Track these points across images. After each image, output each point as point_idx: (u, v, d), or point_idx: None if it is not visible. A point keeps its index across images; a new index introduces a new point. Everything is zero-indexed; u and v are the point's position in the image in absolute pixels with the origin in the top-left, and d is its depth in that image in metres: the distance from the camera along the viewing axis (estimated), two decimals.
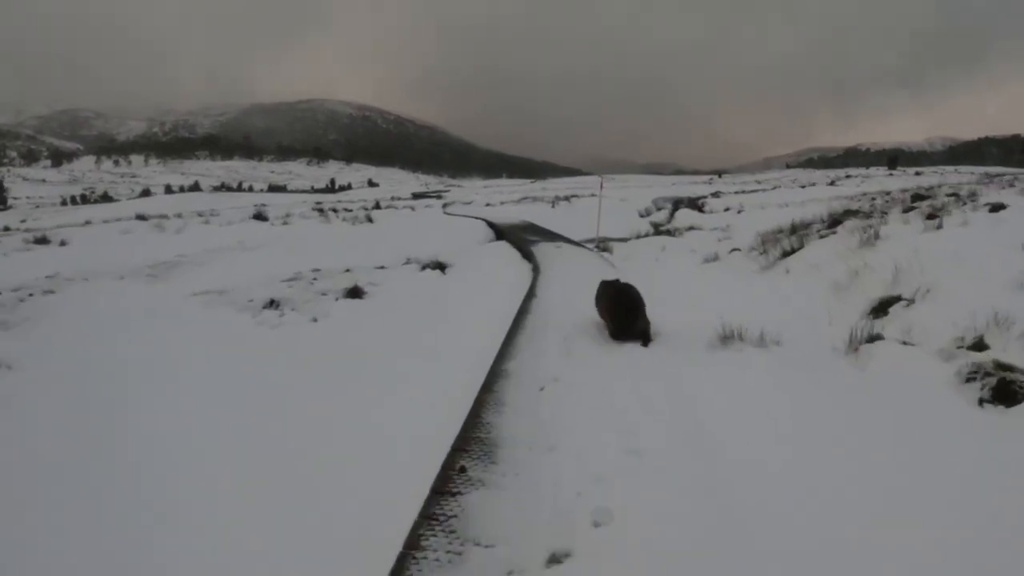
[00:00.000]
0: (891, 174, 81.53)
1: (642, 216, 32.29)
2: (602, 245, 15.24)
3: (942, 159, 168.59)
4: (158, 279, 11.66)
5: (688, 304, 8.76)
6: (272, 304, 9.19)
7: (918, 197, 15.19)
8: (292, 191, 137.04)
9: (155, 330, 7.79)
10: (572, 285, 9.43)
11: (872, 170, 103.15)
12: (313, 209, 28.36)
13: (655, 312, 6.61)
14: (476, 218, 22.67)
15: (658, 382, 4.97)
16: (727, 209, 28.34)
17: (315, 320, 8.62)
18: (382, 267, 12.74)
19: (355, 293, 9.72)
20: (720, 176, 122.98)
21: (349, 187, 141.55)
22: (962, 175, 51.52)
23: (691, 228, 20.63)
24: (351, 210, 28.58)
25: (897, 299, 6.50)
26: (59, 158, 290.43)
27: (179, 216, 30.08)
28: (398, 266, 12.75)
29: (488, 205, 30.62)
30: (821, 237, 11.00)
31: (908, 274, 7.11)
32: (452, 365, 6.33)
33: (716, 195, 39.52)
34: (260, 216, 24.01)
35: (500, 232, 17.84)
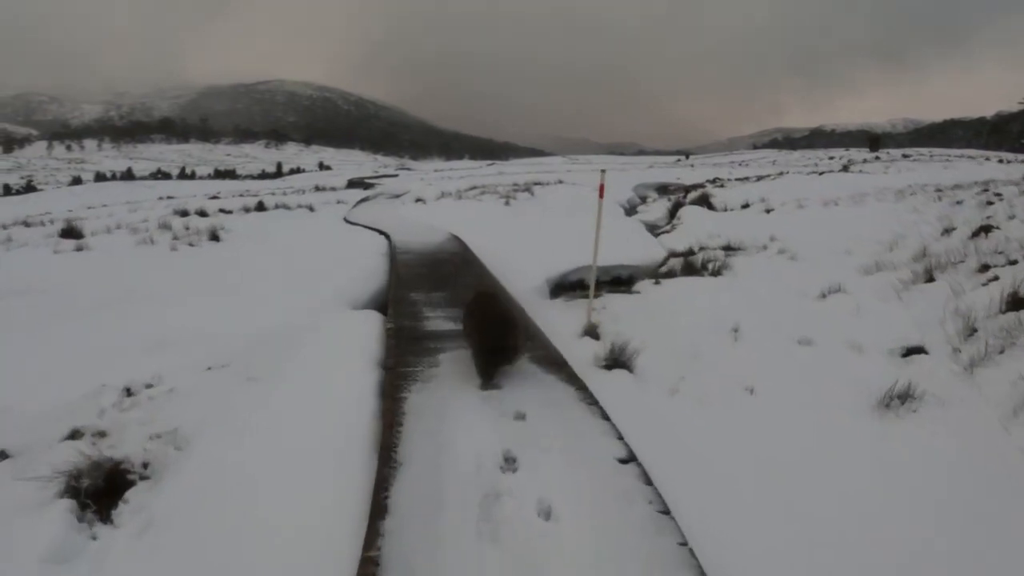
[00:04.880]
0: (877, 157, 75.33)
1: (627, 212, 24.27)
2: (597, 330, 6.67)
3: (907, 141, 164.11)
4: None
5: None
6: None
7: None
8: (241, 176, 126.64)
9: None
10: None
11: (853, 152, 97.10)
12: (175, 213, 19.65)
13: None
14: (380, 232, 14.27)
15: None
16: (746, 206, 20.25)
17: None
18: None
19: None
20: (687, 157, 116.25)
21: (299, 171, 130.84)
22: (971, 161, 44.73)
23: (729, 248, 12.52)
24: (230, 211, 19.98)
25: None
26: (11, 144, 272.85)
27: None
28: (56, 444, 4.43)
29: (419, 201, 22.09)
30: None
31: None
32: None
33: (716, 183, 31.45)
34: (71, 232, 15.37)
35: (397, 274, 9.43)
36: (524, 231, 14.88)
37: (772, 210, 18.63)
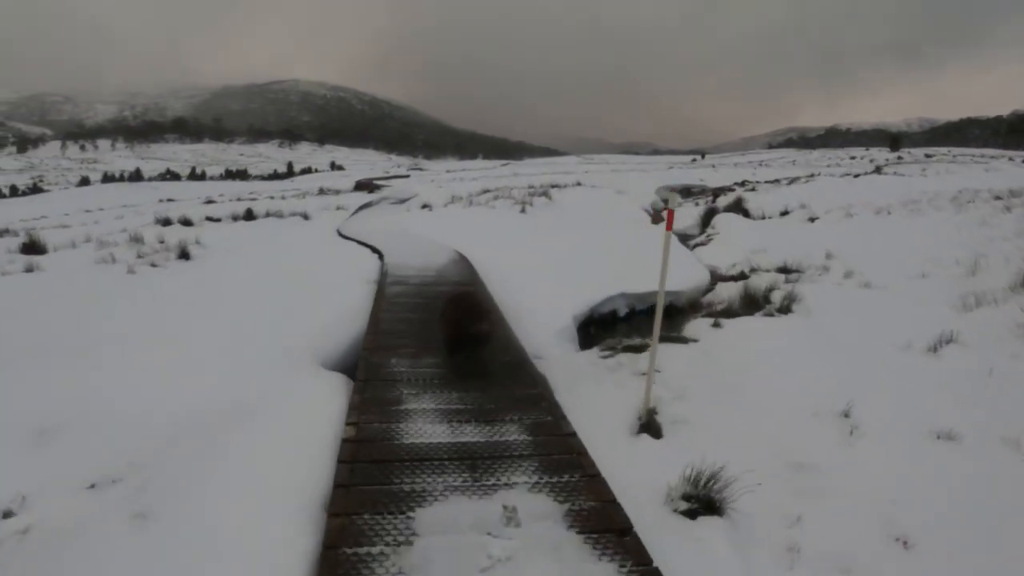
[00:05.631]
0: (900, 157, 73.40)
1: (640, 210, 22.42)
2: (657, 419, 4.65)
3: (923, 140, 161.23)
4: None
5: None
6: None
7: None
8: (253, 176, 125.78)
9: None
10: None
11: (873, 151, 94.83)
12: (157, 222, 17.86)
13: None
14: (373, 250, 12.40)
15: None
16: (785, 213, 18.26)
17: None
18: None
19: None
20: (703, 157, 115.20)
21: (310, 171, 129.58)
22: (1009, 162, 42.30)
23: (786, 270, 10.59)
24: (219, 219, 18.21)
25: None
26: (25, 144, 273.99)
27: None
28: None
29: (425, 208, 20.23)
30: None
31: None
32: None
33: (745, 186, 29.39)
34: (33, 247, 13.57)
35: (377, 323, 7.28)
36: (543, 245, 13.00)
37: (816, 219, 16.69)
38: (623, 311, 9.71)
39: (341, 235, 14.60)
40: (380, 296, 8.06)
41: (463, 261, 10.84)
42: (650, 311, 10.19)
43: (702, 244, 15.80)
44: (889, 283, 9.34)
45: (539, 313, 7.70)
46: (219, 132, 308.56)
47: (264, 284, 9.54)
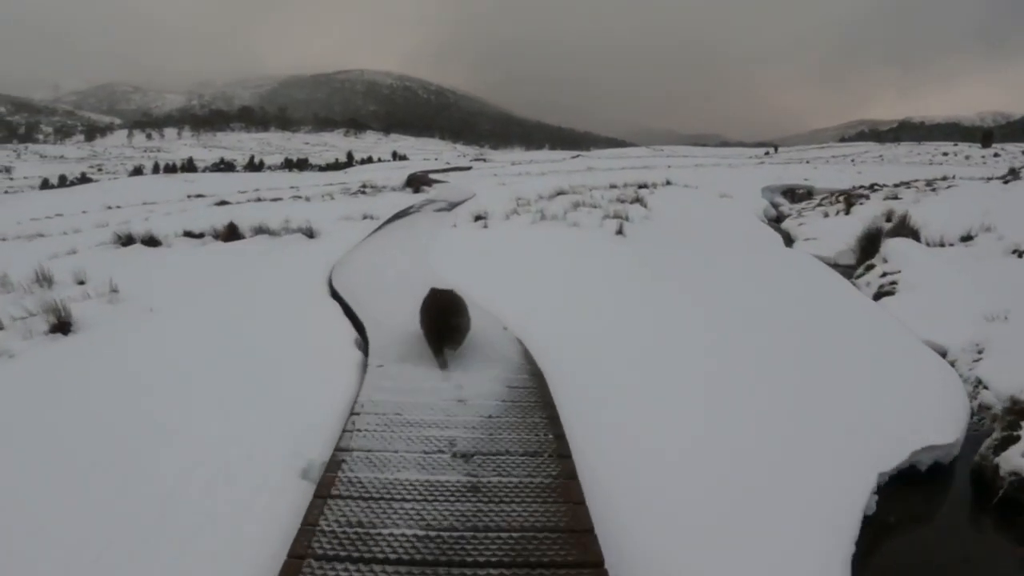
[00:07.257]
0: (996, 154, 66.16)
1: (765, 224, 17.11)
2: None
3: (1000, 136, 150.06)
4: None
5: None
6: None
7: None
8: (313, 166, 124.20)
9: None
10: None
11: (963, 146, 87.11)
12: (117, 239, 13.28)
13: None
14: (361, 332, 7.08)
15: None
16: (968, 237, 12.38)
17: None
18: None
19: None
20: (776, 150, 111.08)
21: (370, 160, 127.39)
22: None
23: None
24: (201, 235, 13.53)
25: None
26: (93, 133, 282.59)
27: None
28: None
29: (479, 220, 15.06)
30: None
31: None
32: None
33: (875, 189, 23.45)
34: None
35: None
36: (672, 317, 7.67)
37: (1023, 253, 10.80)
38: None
39: (331, 287, 9.26)
40: None
41: (533, 380, 5.44)
42: (902, 476, 4.82)
43: (887, 293, 10.17)
44: None
45: None
46: (284, 121, 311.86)
47: (98, 456, 4.47)
